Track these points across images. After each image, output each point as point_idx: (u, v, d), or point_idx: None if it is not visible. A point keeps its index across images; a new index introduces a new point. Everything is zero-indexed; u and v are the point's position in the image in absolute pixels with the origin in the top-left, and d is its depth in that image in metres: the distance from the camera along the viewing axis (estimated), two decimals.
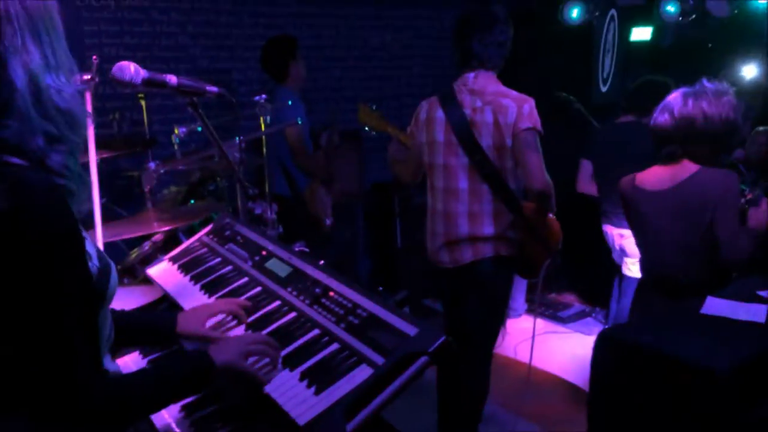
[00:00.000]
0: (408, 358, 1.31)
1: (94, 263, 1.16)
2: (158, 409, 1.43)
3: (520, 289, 4.91)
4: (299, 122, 3.54)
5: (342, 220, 4.55)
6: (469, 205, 2.74)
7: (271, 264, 1.80)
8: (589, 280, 5.00)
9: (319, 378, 1.34)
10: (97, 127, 4.03)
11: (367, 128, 2.87)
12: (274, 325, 1.57)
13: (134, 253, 2.82)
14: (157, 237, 2.83)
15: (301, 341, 1.48)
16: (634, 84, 3.92)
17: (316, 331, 1.49)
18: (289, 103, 3.58)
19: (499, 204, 2.72)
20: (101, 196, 3.53)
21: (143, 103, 3.83)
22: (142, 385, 1.30)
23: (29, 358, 1.04)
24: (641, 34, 4.95)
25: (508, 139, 2.64)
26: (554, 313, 5.02)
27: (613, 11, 5.14)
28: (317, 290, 1.61)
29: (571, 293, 5.31)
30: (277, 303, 1.65)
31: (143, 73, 1.58)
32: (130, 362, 1.79)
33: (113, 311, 1.59)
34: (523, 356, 4.11)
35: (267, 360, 1.40)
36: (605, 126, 4.14)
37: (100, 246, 1.99)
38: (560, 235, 2.85)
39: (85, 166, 2.13)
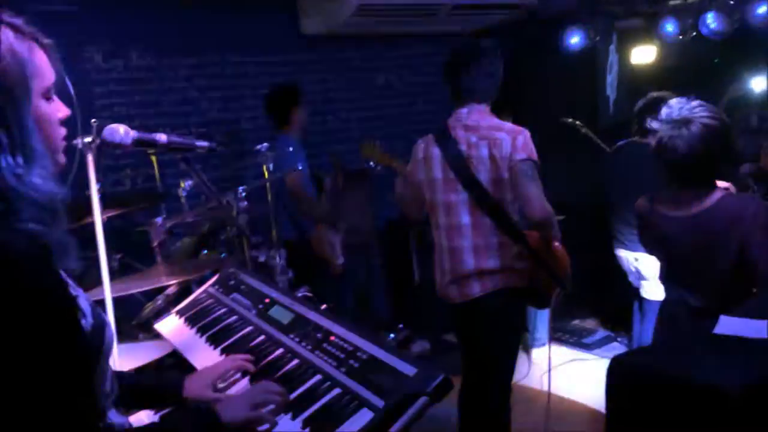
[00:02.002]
0: (407, 399, 1.31)
1: (87, 320, 1.16)
2: None
3: (542, 318, 4.86)
4: (299, 168, 3.58)
5: (356, 259, 4.56)
6: (473, 239, 2.74)
7: (275, 311, 1.82)
8: (611, 305, 4.93)
9: (321, 425, 1.35)
10: (110, 185, 4.14)
11: (372, 164, 2.90)
12: (278, 373, 1.57)
13: (148, 308, 2.86)
14: (171, 290, 2.87)
15: (303, 388, 1.49)
16: (640, 104, 3.89)
17: (318, 377, 1.50)
18: (290, 149, 3.62)
19: (503, 236, 2.71)
20: (117, 252, 3.61)
21: (154, 158, 3.91)
22: None
23: (26, 418, 1.02)
24: (644, 54, 4.95)
25: (505, 172, 2.65)
26: (579, 340, 4.95)
27: (613, 35, 5.16)
28: (318, 335, 1.63)
29: (595, 319, 5.24)
30: (281, 350, 1.66)
31: (133, 133, 1.63)
32: (144, 417, 1.80)
33: (122, 372, 1.61)
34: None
35: (272, 406, 1.41)
36: (615, 149, 4.12)
37: (109, 301, 2.01)
38: (567, 262, 2.83)
39: (87, 225, 2.17)
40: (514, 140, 2.64)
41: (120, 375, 1.59)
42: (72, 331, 1.09)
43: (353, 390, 1.40)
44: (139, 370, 2.21)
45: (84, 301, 1.19)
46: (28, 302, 1.01)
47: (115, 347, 2.03)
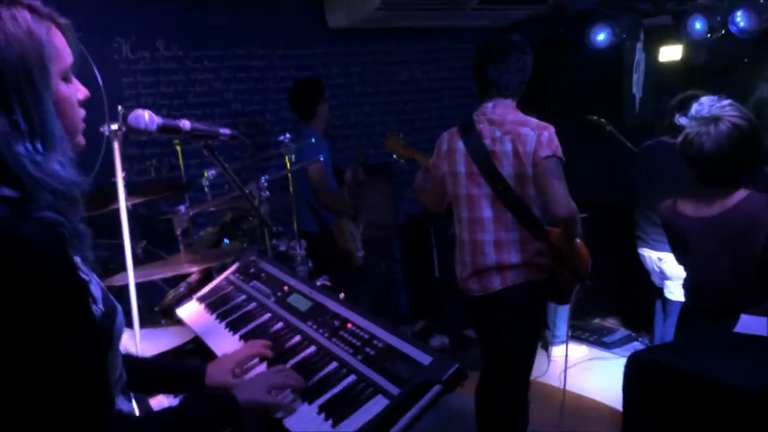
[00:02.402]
0: (422, 387, 1.32)
1: (98, 307, 1.16)
2: None
3: (562, 316, 4.85)
4: (321, 159, 3.61)
5: (377, 253, 4.58)
6: (494, 233, 2.74)
7: (293, 299, 1.84)
8: (632, 304, 4.90)
9: (337, 410, 1.36)
10: (135, 174, 4.20)
11: (395, 156, 2.92)
12: (295, 360, 1.60)
13: (170, 294, 2.90)
14: (193, 277, 2.91)
15: (320, 374, 1.51)
16: (674, 101, 3.81)
17: (334, 364, 1.52)
18: (312, 141, 3.65)
19: (524, 232, 2.71)
20: (141, 239, 3.66)
21: (179, 148, 3.95)
22: (165, 423, 1.34)
23: (44, 406, 1.02)
24: (671, 53, 4.89)
25: (529, 167, 2.65)
26: (599, 339, 4.93)
27: (640, 32, 5.10)
28: (336, 323, 1.64)
29: (615, 318, 5.21)
30: (298, 337, 1.68)
31: (158, 120, 1.65)
32: (164, 400, 1.84)
33: (145, 359, 1.64)
34: (568, 383, 4.04)
35: (288, 392, 1.44)
36: (642, 147, 4.08)
37: (132, 287, 2.04)
38: (588, 259, 2.82)
39: (112, 212, 2.21)
40: (540, 136, 2.63)
41: (142, 360, 1.62)
42: (86, 318, 1.09)
43: (369, 377, 1.42)
44: (160, 356, 2.24)
45: (95, 287, 1.19)
46: (42, 290, 1.01)
47: (138, 332, 2.07)
